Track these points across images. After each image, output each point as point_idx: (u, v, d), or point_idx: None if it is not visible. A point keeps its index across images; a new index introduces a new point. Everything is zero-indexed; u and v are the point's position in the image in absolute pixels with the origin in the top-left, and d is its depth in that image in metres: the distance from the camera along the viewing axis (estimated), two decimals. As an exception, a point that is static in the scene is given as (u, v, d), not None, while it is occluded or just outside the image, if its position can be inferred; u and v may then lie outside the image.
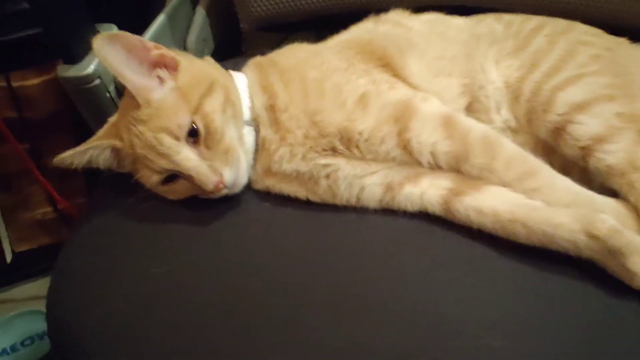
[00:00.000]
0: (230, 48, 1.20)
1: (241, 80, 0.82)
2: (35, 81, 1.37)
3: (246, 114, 0.80)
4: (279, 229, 0.76)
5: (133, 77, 0.73)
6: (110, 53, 0.71)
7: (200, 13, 1.10)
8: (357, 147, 0.74)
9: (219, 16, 1.16)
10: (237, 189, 0.77)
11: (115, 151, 0.78)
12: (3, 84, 1.33)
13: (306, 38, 0.90)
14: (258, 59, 0.86)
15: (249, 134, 0.79)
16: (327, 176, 0.76)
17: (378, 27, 0.88)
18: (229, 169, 0.74)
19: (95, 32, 0.96)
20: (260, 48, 0.93)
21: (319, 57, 0.82)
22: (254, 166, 0.80)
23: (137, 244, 0.76)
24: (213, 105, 0.74)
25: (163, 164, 0.73)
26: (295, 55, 0.84)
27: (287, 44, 0.90)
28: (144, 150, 0.73)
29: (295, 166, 0.76)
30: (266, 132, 0.78)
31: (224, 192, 0.75)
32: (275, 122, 0.77)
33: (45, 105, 1.39)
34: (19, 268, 1.54)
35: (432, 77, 0.81)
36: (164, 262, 0.72)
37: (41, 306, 1.42)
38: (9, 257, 1.54)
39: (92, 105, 0.96)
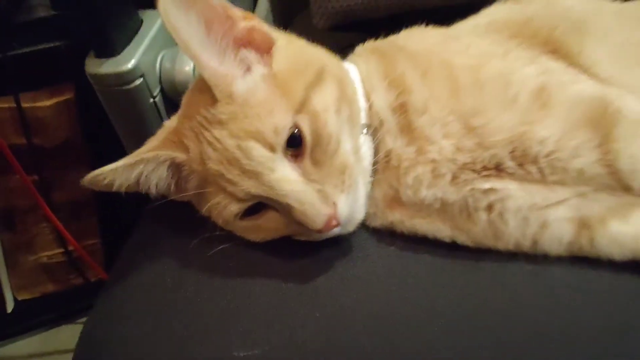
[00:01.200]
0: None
1: (352, 73, 0.59)
2: (47, 103, 1.26)
3: (362, 117, 0.56)
4: (418, 287, 0.52)
5: (211, 58, 0.50)
6: (182, 21, 0.48)
7: (263, 5, 0.88)
8: (536, 163, 0.52)
9: (282, 9, 0.94)
10: (352, 226, 0.55)
11: (175, 167, 0.54)
12: (12, 104, 1.21)
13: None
14: (372, 44, 0.63)
15: (364, 146, 0.56)
16: (489, 207, 0.53)
17: (527, 6, 0.66)
18: (345, 197, 0.51)
19: (137, 18, 0.73)
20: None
21: (460, 40, 0.60)
22: (371, 193, 0.56)
23: (209, 310, 0.51)
24: (325, 101, 0.51)
25: (249, 186, 0.50)
26: (427, 38, 0.62)
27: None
28: (221, 166, 0.50)
29: (440, 193, 0.53)
30: (393, 143, 0.55)
31: (336, 231, 0.51)
32: (408, 129, 0.54)
33: (57, 131, 1.27)
34: (19, 319, 1.42)
35: (620, 68, 0.58)
36: (252, 340, 0.48)
37: (42, 365, 1.23)
38: (10, 306, 1.39)
39: (130, 114, 0.73)
